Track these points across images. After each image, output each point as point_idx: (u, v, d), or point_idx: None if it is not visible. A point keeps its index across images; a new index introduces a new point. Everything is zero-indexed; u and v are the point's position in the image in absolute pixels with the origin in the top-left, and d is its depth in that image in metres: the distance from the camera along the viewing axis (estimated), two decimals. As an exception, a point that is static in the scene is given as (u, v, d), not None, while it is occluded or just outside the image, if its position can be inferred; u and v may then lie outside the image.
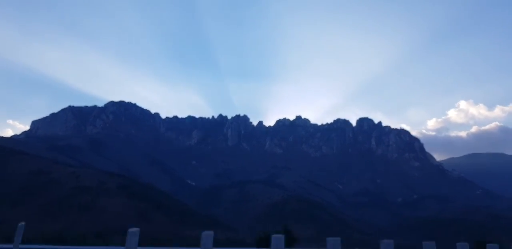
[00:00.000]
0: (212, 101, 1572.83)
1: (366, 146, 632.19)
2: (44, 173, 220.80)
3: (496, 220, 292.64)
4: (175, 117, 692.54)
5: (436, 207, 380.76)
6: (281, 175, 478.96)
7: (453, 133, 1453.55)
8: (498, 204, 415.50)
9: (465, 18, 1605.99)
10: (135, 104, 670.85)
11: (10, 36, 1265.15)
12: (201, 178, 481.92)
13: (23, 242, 14.56)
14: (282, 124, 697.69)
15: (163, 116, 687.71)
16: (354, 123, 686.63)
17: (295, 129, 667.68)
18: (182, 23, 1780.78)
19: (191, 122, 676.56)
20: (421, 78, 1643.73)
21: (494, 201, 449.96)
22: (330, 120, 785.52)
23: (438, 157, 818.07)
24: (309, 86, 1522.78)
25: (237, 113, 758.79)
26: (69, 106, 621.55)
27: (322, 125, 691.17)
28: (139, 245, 14.13)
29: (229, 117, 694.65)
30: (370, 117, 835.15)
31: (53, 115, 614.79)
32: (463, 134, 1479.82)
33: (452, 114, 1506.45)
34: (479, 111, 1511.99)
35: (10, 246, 13.66)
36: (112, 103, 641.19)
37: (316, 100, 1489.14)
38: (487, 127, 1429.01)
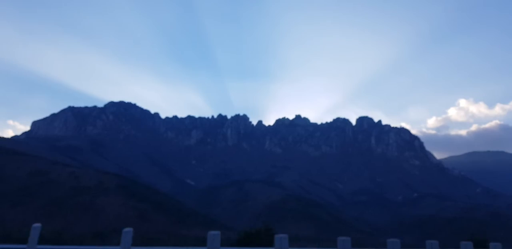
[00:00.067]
0: (212, 100, 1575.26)
1: (366, 145, 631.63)
2: (43, 174, 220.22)
3: (497, 218, 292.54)
4: (175, 117, 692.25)
5: (436, 206, 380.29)
6: (280, 174, 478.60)
7: (453, 132, 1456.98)
8: (498, 203, 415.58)
9: (465, 18, 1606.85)
10: (135, 104, 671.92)
11: (10, 36, 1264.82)
12: (200, 178, 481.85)
13: (23, 242, 14.25)
14: (281, 123, 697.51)
15: (162, 116, 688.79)
16: (353, 122, 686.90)
17: (295, 128, 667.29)
18: (182, 23, 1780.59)
19: (191, 122, 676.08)
20: (421, 77, 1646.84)
21: (495, 200, 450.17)
22: (329, 119, 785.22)
23: (438, 155, 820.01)
24: (309, 85, 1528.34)
25: (237, 113, 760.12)
26: (69, 107, 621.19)
27: (322, 124, 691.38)
28: (137, 245, 13.72)
29: (228, 117, 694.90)
30: (370, 115, 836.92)
31: (53, 115, 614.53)
32: (463, 132, 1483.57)
33: (452, 113, 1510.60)
34: (479, 109, 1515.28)
35: (25, 246, 13.26)
36: (112, 103, 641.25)
37: (315, 99, 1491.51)
38: (487, 125, 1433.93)
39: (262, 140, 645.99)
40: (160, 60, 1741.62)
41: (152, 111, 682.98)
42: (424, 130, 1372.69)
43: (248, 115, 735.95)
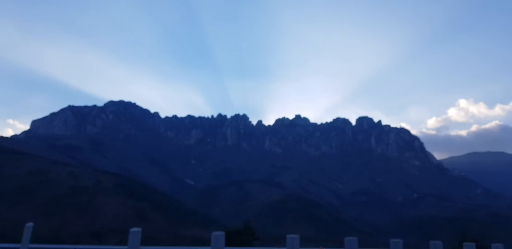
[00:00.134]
0: (212, 100, 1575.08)
1: (365, 145, 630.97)
2: (42, 173, 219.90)
3: (496, 218, 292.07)
4: (175, 117, 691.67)
5: (436, 206, 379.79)
6: (280, 174, 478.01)
7: (453, 132, 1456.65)
8: (498, 203, 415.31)
9: (465, 18, 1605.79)
10: (134, 104, 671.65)
11: (10, 35, 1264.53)
12: (200, 178, 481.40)
13: (18, 242, 13.98)
14: (281, 123, 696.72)
15: (162, 115, 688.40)
16: (353, 122, 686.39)
17: (294, 128, 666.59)
18: (181, 22, 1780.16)
19: (191, 121, 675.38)
20: (421, 77, 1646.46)
21: (494, 200, 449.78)
22: (329, 119, 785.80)
23: (438, 156, 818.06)
24: (309, 84, 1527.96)
25: (236, 112, 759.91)
26: (69, 106, 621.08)
27: (322, 124, 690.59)
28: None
29: (228, 117, 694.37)
30: (369, 116, 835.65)
31: (53, 114, 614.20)
32: (463, 132, 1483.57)
33: (452, 113, 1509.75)
34: (479, 109, 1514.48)
35: (18, 245, 13.40)
36: (111, 103, 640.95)
37: (315, 98, 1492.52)
38: (487, 125, 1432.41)
39: (262, 140, 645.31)
40: (160, 59, 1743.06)
41: (152, 111, 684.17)
42: (424, 130, 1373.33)
43: (248, 115, 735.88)
